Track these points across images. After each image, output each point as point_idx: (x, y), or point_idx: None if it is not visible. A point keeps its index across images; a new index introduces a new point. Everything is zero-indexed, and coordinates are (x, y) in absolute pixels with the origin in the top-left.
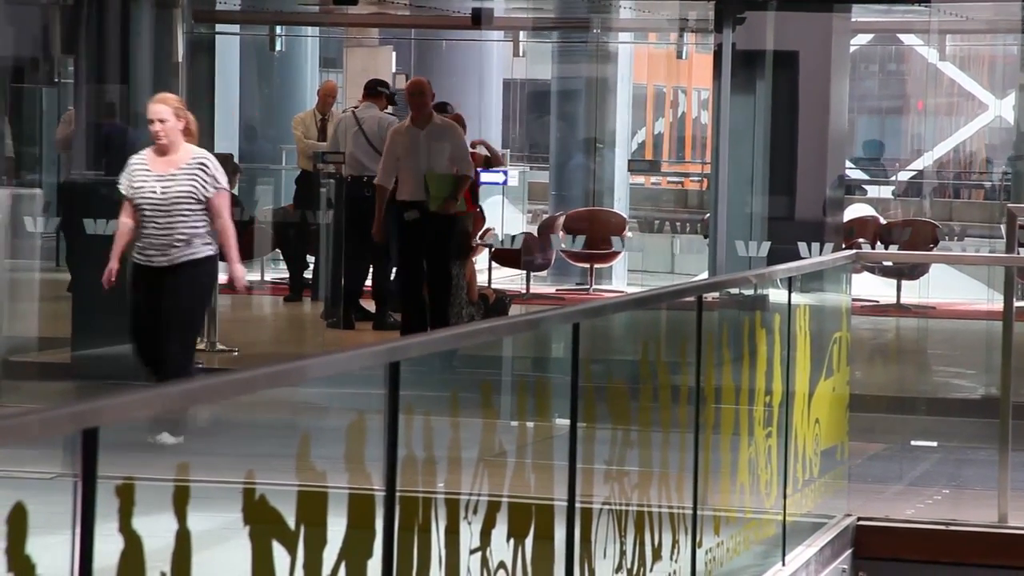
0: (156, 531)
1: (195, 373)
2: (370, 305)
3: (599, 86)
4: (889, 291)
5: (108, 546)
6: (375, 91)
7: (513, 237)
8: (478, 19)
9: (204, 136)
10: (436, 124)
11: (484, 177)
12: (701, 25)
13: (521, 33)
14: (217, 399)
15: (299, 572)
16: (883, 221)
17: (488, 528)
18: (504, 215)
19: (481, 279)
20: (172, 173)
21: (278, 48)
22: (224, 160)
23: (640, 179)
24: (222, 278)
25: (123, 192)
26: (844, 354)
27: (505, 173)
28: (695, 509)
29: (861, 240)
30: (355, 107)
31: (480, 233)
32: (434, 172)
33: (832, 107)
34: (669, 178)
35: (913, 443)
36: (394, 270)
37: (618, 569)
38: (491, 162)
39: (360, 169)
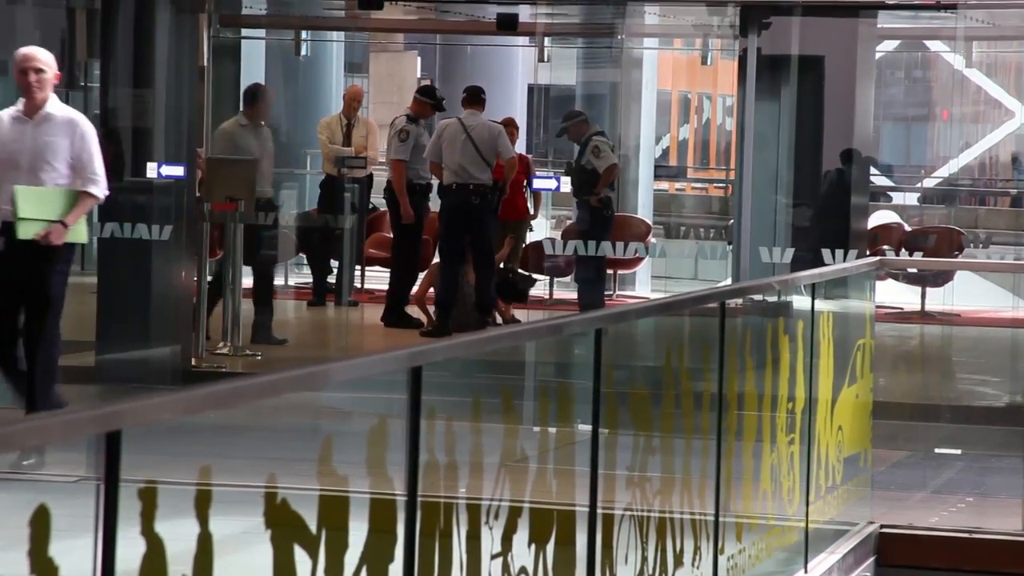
0: (178, 534)
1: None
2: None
3: (624, 92)
4: (913, 298)
5: (130, 549)
6: (479, 98)
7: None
8: (503, 24)
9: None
10: (52, 114)
11: (536, 183)
12: (726, 31)
13: (546, 38)
14: (241, 403)
15: None
16: (908, 228)
17: (509, 533)
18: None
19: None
20: None
21: (303, 52)
22: (248, 164)
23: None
24: None
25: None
26: (868, 361)
27: (557, 179)
28: (717, 516)
29: (885, 247)
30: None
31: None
32: (30, 185)
33: (857, 114)
34: (693, 184)
35: (937, 451)
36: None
37: (639, 575)
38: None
39: (466, 177)
